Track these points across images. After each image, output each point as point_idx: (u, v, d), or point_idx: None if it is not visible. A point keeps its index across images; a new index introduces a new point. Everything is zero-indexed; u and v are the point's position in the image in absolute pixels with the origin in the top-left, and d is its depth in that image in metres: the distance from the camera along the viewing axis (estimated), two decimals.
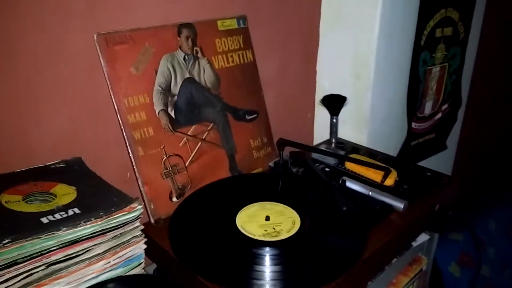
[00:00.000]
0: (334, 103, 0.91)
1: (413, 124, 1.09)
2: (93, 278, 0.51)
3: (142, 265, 0.56)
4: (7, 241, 0.42)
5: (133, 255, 0.54)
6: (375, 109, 0.98)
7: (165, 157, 0.72)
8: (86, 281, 0.50)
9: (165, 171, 0.72)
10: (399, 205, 0.70)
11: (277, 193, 0.75)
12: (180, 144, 0.75)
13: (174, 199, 0.73)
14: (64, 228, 0.46)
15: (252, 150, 0.86)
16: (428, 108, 1.12)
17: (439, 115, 1.17)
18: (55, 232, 0.45)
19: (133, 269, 0.55)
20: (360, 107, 0.98)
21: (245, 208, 0.68)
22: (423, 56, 1.03)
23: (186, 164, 0.75)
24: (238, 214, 0.66)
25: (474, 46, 1.24)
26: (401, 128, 1.08)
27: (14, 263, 0.43)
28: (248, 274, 0.55)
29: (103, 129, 0.70)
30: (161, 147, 0.72)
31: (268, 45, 0.92)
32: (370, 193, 0.73)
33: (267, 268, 0.56)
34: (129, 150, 0.68)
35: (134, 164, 0.68)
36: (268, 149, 0.89)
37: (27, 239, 0.43)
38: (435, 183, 0.78)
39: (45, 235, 0.45)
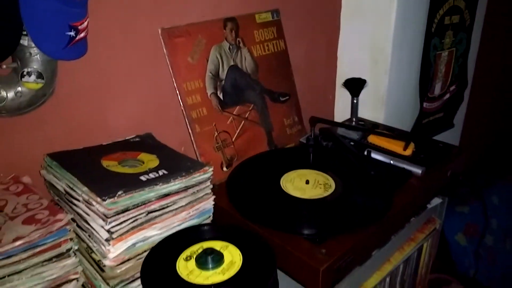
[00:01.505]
0: (355, 85, 1.02)
1: (424, 104, 1.20)
2: (177, 225, 0.63)
3: (211, 217, 0.69)
4: (121, 192, 0.55)
5: (205, 209, 0.67)
6: (391, 91, 1.09)
7: (216, 133, 0.84)
8: (172, 227, 0.62)
9: (216, 145, 0.84)
10: (418, 170, 0.82)
11: (311, 162, 0.87)
12: (228, 122, 0.87)
13: (225, 168, 0.85)
14: (160, 184, 0.59)
15: (286, 127, 0.98)
16: (437, 89, 1.24)
17: (447, 95, 1.29)
18: (154, 186, 0.58)
19: (204, 220, 0.67)
20: (378, 89, 1.10)
21: (286, 174, 0.80)
22: (434, 42, 1.14)
23: (233, 139, 0.87)
24: (281, 178, 0.78)
25: (478, 31, 1.35)
26: (413, 108, 1.19)
27: (126, 209, 0.56)
28: (291, 221, 0.68)
29: (166, 110, 0.82)
30: (213, 125, 0.84)
31: (297, 34, 1.04)
32: (391, 161, 0.85)
33: (308, 218, 0.69)
34: (189, 127, 0.80)
35: (192, 139, 0.81)
36: (299, 127, 1.01)
37: (136, 191, 0.56)
38: (447, 153, 0.90)
39: (148, 188, 0.57)
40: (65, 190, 0.60)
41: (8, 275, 0.47)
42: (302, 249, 0.63)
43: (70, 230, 0.53)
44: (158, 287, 0.52)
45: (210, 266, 0.54)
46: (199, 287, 0.51)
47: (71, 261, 0.53)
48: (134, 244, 0.58)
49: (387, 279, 0.85)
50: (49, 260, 0.51)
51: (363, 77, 1.02)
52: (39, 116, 0.66)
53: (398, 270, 0.88)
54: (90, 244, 0.58)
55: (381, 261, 0.81)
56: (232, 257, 0.56)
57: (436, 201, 0.95)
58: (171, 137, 0.83)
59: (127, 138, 0.75)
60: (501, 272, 1.57)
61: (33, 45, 0.58)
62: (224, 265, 0.55)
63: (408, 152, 0.88)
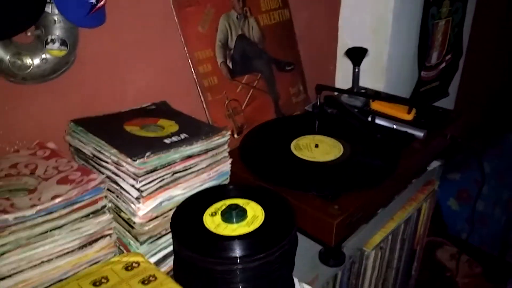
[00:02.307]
0: (357, 54, 1.05)
1: (422, 73, 1.24)
2: (199, 186, 0.67)
3: (228, 179, 0.72)
4: (149, 153, 0.58)
5: (223, 171, 0.70)
6: (391, 60, 1.13)
7: (227, 101, 0.87)
8: (195, 188, 0.66)
9: (227, 112, 0.87)
10: (420, 133, 0.86)
11: (318, 129, 0.91)
12: (237, 91, 0.89)
13: (235, 135, 0.88)
14: (184, 146, 0.62)
15: (291, 96, 1.01)
16: (434, 58, 1.28)
17: (443, 64, 1.33)
18: (178, 148, 0.61)
19: (223, 181, 0.71)
20: (378, 59, 1.13)
21: (295, 139, 0.84)
22: (432, 11, 1.17)
23: (243, 107, 0.90)
24: (292, 143, 0.82)
25: (473, 1, 1.38)
26: (412, 77, 1.23)
27: (154, 169, 0.59)
28: (304, 182, 0.72)
29: (178, 79, 0.84)
30: (224, 93, 0.87)
31: (299, 4, 1.05)
32: (394, 126, 0.90)
33: (320, 178, 0.73)
34: (201, 96, 0.83)
35: (205, 106, 0.83)
36: (303, 95, 1.04)
37: (163, 152, 0.59)
38: (446, 117, 0.95)
39: (173, 150, 0.60)
40: (92, 154, 0.63)
41: (50, 230, 0.50)
42: (316, 206, 0.67)
43: (104, 189, 0.56)
44: (188, 238, 0.56)
45: (235, 220, 0.58)
46: (227, 237, 0.55)
47: (106, 217, 0.56)
48: (160, 203, 0.61)
49: (390, 237, 0.90)
50: (86, 216, 0.54)
51: (364, 47, 1.05)
52: (60, 83, 0.68)
53: (399, 229, 0.93)
54: (119, 204, 0.61)
55: (385, 219, 0.87)
56: (255, 212, 0.60)
57: (435, 163, 1.00)
58: (182, 106, 0.86)
59: (143, 106, 0.77)
60: (492, 235, 1.66)
61: (57, 12, 0.59)
62: (248, 219, 0.58)
63: (410, 117, 0.92)
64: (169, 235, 0.64)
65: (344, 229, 0.68)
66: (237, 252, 0.54)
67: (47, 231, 0.50)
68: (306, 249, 0.70)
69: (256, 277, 0.55)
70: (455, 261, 1.39)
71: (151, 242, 0.62)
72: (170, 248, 0.65)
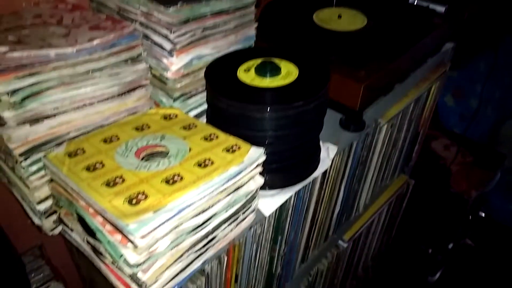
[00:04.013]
0: None
1: None
2: (226, 48, 0.65)
3: (253, 44, 0.71)
4: (181, 3, 0.55)
5: (249, 35, 0.68)
6: None
7: None
8: (222, 50, 0.65)
9: None
10: (441, 8, 0.85)
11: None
12: None
13: None
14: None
15: None
16: None
17: None
18: (210, 1, 0.59)
19: (247, 46, 0.70)
20: None
21: (317, 11, 0.82)
22: None
23: None
24: (314, 15, 0.80)
25: None
26: None
27: (187, 20, 0.57)
28: (330, 51, 0.71)
29: None
30: None
31: None
32: (415, 2, 0.87)
33: (346, 46, 0.73)
34: None
35: None
36: None
37: (194, 2, 0.57)
38: None
39: (204, 2, 0.58)
40: (118, 7, 0.60)
41: (91, 71, 0.49)
42: (344, 71, 0.68)
43: (139, 36, 0.54)
44: (225, 89, 0.56)
45: (270, 74, 0.58)
46: (263, 89, 0.56)
47: (142, 66, 0.55)
48: (191, 61, 0.60)
49: (400, 115, 0.93)
50: (125, 62, 0.53)
51: None
52: None
53: (409, 108, 0.96)
54: (149, 61, 0.60)
55: (400, 94, 0.88)
56: (288, 69, 0.60)
57: (448, 45, 1.00)
58: None
59: None
60: (483, 130, 1.73)
61: None
62: (283, 74, 0.59)
63: None
64: (200, 95, 0.65)
65: (368, 94, 0.69)
66: (275, 100, 0.55)
67: (89, 72, 0.49)
68: (326, 119, 0.72)
69: (290, 125, 0.56)
70: (448, 151, 1.46)
71: (183, 101, 0.62)
72: (201, 108, 0.66)
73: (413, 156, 1.18)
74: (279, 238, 0.72)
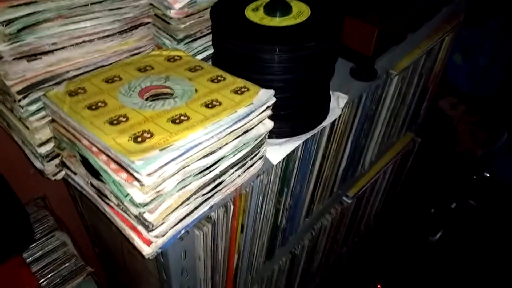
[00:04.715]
0: None
1: None
2: None
3: None
4: None
5: None
6: None
7: None
8: None
9: None
10: None
11: None
12: None
13: None
14: None
15: None
16: None
17: None
18: None
19: None
20: None
21: None
22: None
23: None
24: None
25: None
26: None
27: None
28: None
29: None
30: None
31: None
32: None
33: None
34: None
35: None
36: None
37: None
38: None
39: None
40: None
41: (91, 3, 0.46)
42: (358, 16, 0.64)
43: None
44: (232, 28, 0.53)
45: (280, 13, 0.55)
46: (273, 29, 0.53)
47: (143, 1, 0.52)
48: None
49: (411, 68, 0.90)
50: None
51: None
52: None
53: (420, 60, 0.92)
54: None
55: (413, 45, 0.85)
56: (300, 8, 0.56)
57: None
58: None
59: None
60: (490, 89, 1.70)
61: None
62: (293, 13, 0.55)
63: None
64: (205, 39, 0.61)
65: (382, 40, 0.66)
66: (285, 40, 0.52)
67: (87, 4, 0.46)
68: (336, 69, 0.69)
69: (300, 68, 0.53)
70: (455, 110, 1.43)
71: (187, 43, 0.59)
72: (206, 53, 0.63)
73: (420, 113, 1.15)
74: (285, 190, 0.71)
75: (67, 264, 0.69)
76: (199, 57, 0.62)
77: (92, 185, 0.46)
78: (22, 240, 0.65)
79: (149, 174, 0.37)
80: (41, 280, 0.65)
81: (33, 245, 0.69)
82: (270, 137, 0.57)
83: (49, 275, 0.66)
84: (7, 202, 0.61)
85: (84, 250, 0.79)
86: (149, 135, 0.40)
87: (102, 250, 0.89)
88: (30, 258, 0.68)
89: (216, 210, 0.55)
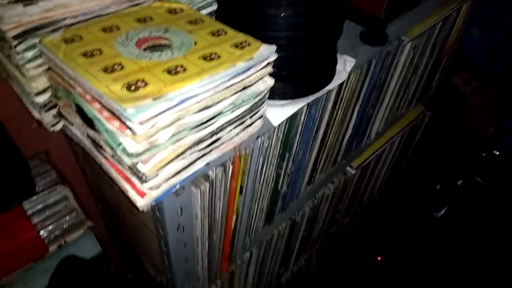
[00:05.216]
0: None
1: None
2: None
3: None
4: None
5: None
6: None
7: None
8: None
9: None
10: None
11: None
12: None
13: None
14: None
15: None
16: None
17: None
18: None
19: None
20: None
21: None
22: None
23: None
24: None
25: None
26: None
27: None
28: None
29: None
30: None
31: None
32: None
33: None
34: None
35: None
36: None
37: None
38: None
39: None
40: None
41: None
42: None
43: None
44: None
45: None
46: None
47: None
48: None
49: (425, 36, 0.86)
50: None
51: None
52: None
53: (435, 28, 0.89)
54: None
55: (427, 11, 0.81)
56: None
57: None
58: None
59: None
60: (507, 65, 1.64)
61: None
62: None
63: None
64: None
65: (394, 3, 0.64)
66: None
67: None
68: (345, 33, 0.66)
69: (306, 25, 0.51)
70: (469, 85, 1.39)
71: None
72: (210, 8, 0.60)
73: (432, 85, 1.12)
74: (287, 155, 0.70)
75: (67, 218, 0.70)
76: (203, 12, 0.60)
77: (88, 136, 0.45)
78: (22, 188, 0.66)
79: (141, 123, 0.36)
80: (41, 231, 0.66)
81: (34, 198, 0.70)
82: (272, 98, 0.55)
83: (49, 227, 0.67)
84: (6, 152, 0.62)
85: (88, 207, 0.80)
86: (143, 84, 0.39)
87: (104, 207, 0.91)
88: (31, 210, 0.68)
89: (214, 169, 0.55)
